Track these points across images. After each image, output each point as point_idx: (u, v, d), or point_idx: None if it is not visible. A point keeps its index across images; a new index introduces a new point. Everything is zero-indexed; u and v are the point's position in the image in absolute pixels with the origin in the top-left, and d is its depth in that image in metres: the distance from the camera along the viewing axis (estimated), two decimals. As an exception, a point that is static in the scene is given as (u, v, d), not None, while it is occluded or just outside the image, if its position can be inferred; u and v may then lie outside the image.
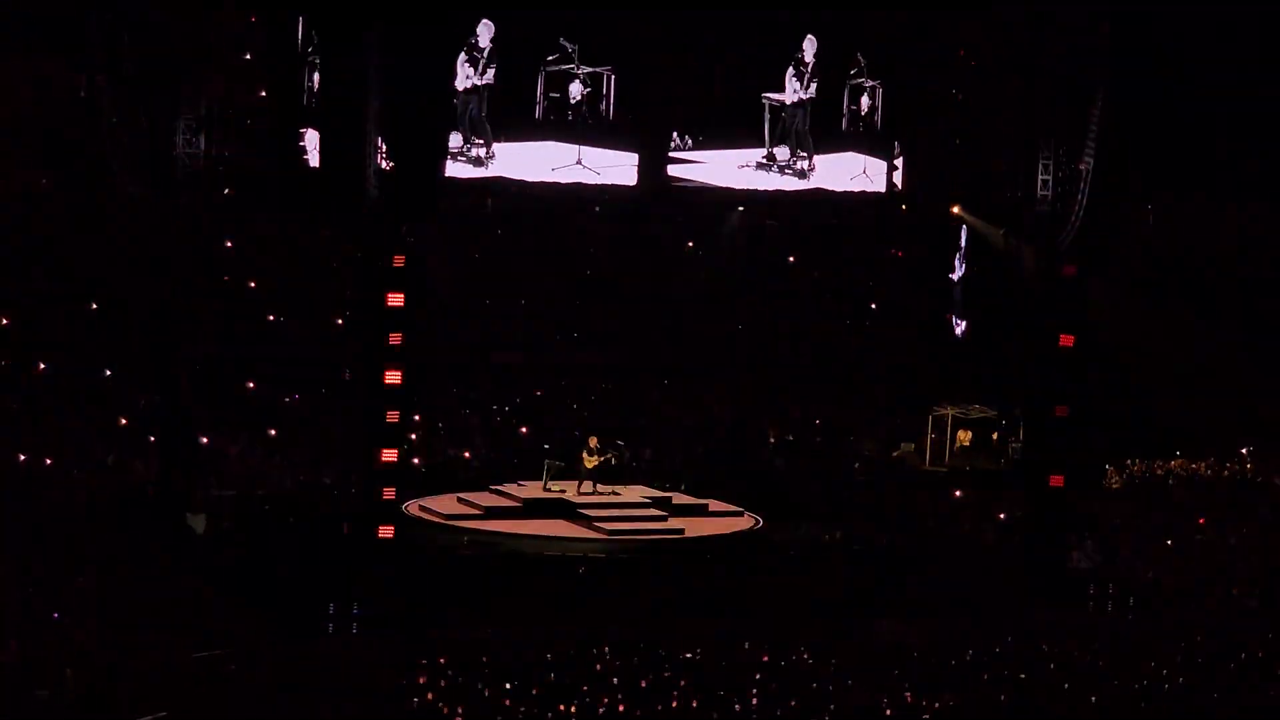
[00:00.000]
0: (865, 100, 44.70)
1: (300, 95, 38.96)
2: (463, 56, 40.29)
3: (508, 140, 41.42)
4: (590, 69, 41.86)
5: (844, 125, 44.58)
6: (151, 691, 31.09)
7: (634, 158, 42.66)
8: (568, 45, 41.48)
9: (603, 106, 42.31)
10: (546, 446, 49.32)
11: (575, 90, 41.69)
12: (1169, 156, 50.25)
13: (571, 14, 41.67)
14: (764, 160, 44.05)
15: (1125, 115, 42.90)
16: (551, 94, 41.73)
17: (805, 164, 44.19)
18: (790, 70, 43.74)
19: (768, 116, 44.08)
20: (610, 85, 42.14)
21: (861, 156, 44.94)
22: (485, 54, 40.38)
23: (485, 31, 40.45)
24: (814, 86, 43.90)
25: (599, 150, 42.32)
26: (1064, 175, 42.47)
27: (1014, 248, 45.48)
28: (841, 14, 44.14)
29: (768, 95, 43.96)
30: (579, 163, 42.11)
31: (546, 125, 41.85)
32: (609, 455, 45.10)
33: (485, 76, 40.51)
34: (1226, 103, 51.32)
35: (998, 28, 45.05)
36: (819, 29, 43.68)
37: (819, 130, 44.21)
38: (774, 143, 44.07)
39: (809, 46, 43.75)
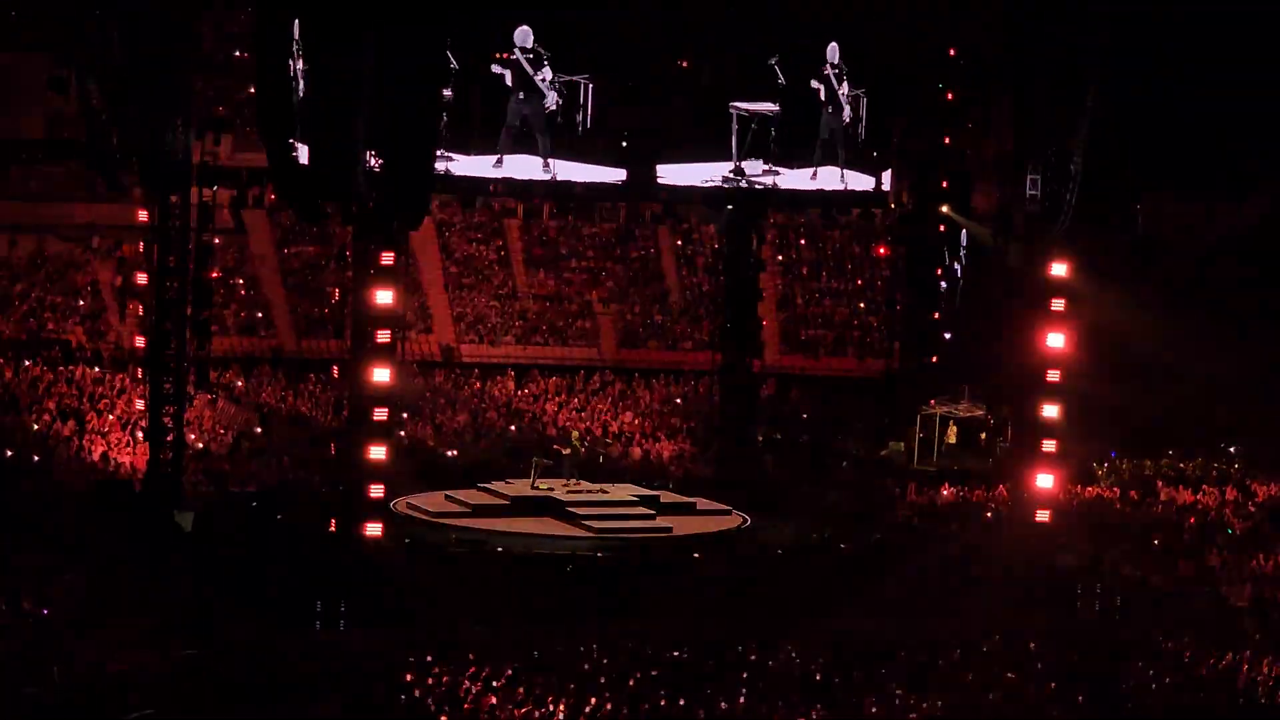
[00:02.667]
0: (848, 110, 43.76)
1: (290, 96, 38.75)
2: (525, 65, 39.94)
3: (476, 153, 40.73)
4: (566, 77, 40.93)
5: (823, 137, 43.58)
6: (139, 689, 31.10)
7: (603, 171, 41.89)
8: (542, 52, 40.59)
9: (579, 117, 41.47)
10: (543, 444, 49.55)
11: (551, 99, 40.83)
12: (1159, 156, 50.27)
13: (541, 16, 40.68)
14: (731, 174, 43.14)
15: (1115, 115, 42.88)
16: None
17: (780, 179, 43.20)
18: (824, 85, 42.85)
19: (735, 127, 43.16)
20: (587, 95, 41.21)
21: (844, 171, 43.98)
22: (540, 56, 39.90)
23: (523, 37, 40.00)
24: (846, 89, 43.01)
25: (571, 164, 41.58)
26: (1053, 175, 42.41)
27: (1003, 246, 45.48)
28: (823, 18, 43.13)
29: (736, 105, 43.08)
30: (553, 178, 41.43)
31: (519, 137, 41.07)
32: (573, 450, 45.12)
33: (542, 75, 40.05)
34: (1216, 103, 51.36)
35: (990, 27, 44.89)
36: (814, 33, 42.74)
37: (797, 142, 43.15)
38: (743, 155, 43.03)
39: (831, 54, 42.86)
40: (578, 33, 41.33)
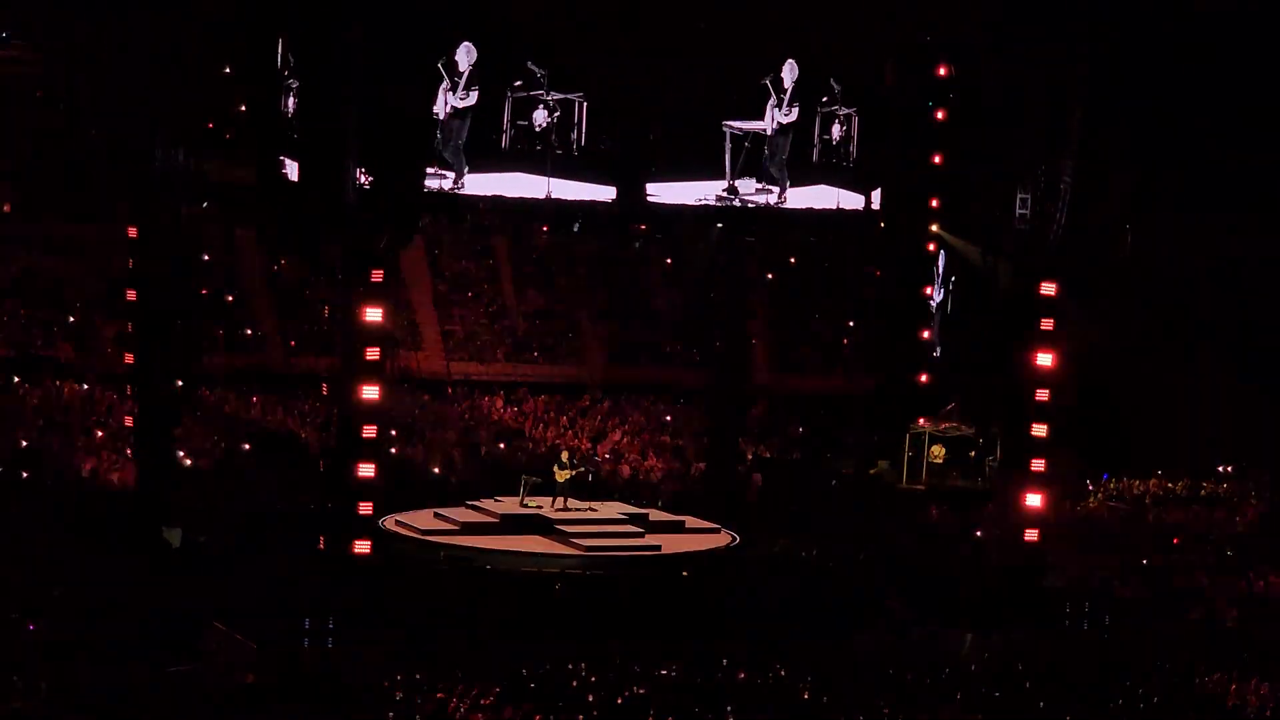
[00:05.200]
0: (837, 129, 43.59)
1: (277, 113, 38.66)
2: (445, 82, 39.59)
3: (473, 171, 40.47)
4: (560, 95, 40.77)
5: (815, 156, 43.45)
6: (127, 706, 31.04)
7: (605, 190, 41.76)
8: (536, 70, 40.50)
9: (573, 135, 41.36)
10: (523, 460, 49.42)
11: (540, 117, 40.65)
12: (1149, 176, 50.30)
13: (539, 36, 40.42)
14: (725, 193, 43.17)
15: (1105, 134, 42.90)
16: (519, 121, 40.63)
17: (772, 197, 43.16)
18: (771, 99, 42.56)
19: (729, 146, 42.86)
20: (581, 113, 41.09)
21: (834, 190, 43.88)
22: (464, 78, 39.50)
23: (465, 55, 39.54)
24: (795, 111, 42.63)
25: (568, 182, 41.38)
26: (1043, 194, 42.43)
27: (992, 266, 45.51)
28: (816, 38, 42.92)
29: (729, 124, 42.78)
30: (549, 196, 41.33)
31: (514, 155, 40.93)
32: (581, 469, 45.03)
33: (467, 99, 39.60)
34: (1206, 124, 51.41)
35: (980, 47, 44.93)
36: (797, 54, 42.50)
37: (790, 162, 42.90)
38: (736, 174, 42.97)
39: (789, 73, 42.63)
40: (562, 49, 41.15)
